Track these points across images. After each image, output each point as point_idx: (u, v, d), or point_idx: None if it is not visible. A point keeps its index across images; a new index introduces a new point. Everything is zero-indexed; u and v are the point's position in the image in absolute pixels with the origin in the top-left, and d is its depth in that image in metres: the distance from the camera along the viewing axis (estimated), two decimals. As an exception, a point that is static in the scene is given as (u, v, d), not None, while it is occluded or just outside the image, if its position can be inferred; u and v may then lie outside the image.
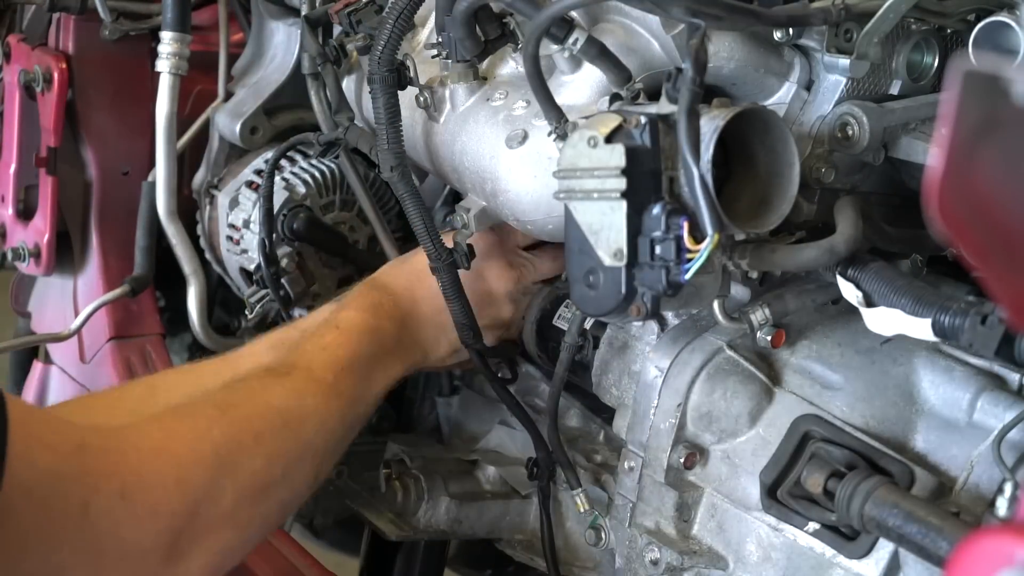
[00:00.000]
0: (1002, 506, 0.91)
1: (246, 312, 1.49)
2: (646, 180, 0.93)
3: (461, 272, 1.19)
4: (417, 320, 1.23)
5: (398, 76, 1.15)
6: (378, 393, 1.18)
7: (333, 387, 1.10)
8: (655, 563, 1.11)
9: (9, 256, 1.75)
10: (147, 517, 0.89)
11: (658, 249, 0.91)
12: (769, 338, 1.10)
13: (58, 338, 1.66)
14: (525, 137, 1.11)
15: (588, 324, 1.21)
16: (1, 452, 0.76)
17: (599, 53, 1.05)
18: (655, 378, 1.13)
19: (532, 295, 1.31)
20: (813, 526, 1.02)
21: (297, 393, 1.08)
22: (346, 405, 1.12)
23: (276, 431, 1.04)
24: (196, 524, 0.93)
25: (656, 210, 0.92)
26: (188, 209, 1.62)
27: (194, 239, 1.61)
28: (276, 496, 1.04)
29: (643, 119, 0.93)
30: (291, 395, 1.08)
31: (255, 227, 1.47)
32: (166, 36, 1.50)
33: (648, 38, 1.11)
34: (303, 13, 1.43)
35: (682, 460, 1.11)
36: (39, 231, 1.71)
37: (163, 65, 1.51)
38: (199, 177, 1.62)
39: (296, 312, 1.57)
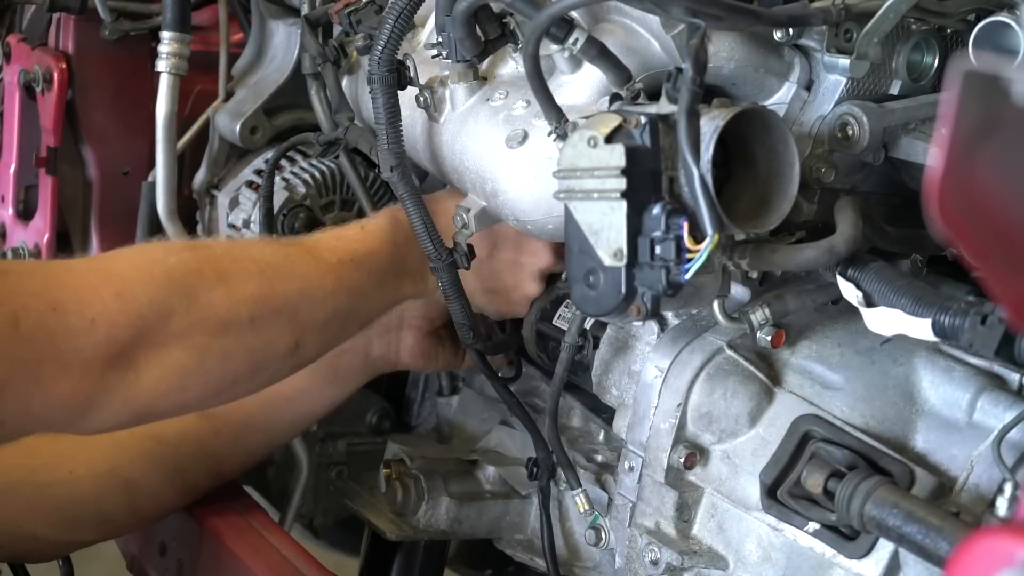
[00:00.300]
0: (1002, 506, 0.91)
1: (246, 312, 1.48)
2: (646, 180, 0.93)
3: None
4: None
5: (398, 76, 1.15)
6: (380, 305, 1.18)
7: (332, 268, 1.10)
8: (655, 563, 1.11)
9: (9, 256, 1.75)
10: (84, 328, 0.92)
11: (658, 249, 0.91)
12: (769, 338, 1.11)
13: (58, 338, 1.65)
14: (525, 137, 1.11)
15: (588, 324, 1.21)
16: None
17: (599, 53, 1.05)
18: (655, 378, 1.13)
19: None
20: (813, 526, 1.02)
21: (285, 255, 1.08)
22: (342, 290, 1.11)
23: (246, 275, 1.04)
24: (143, 338, 0.95)
25: (656, 210, 0.92)
26: (188, 209, 1.62)
27: (194, 239, 1.61)
28: (242, 339, 1.03)
29: (643, 119, 0.93)
30: (277, 253, 1.08)
31: (255, 227, 1.47)
32: (166, 36, 1.50)
33: (648, 38, 1.11)
34: (303, 13, 1.43)
35: (682, 460, 1.11)
36: (39, 231, 1.71)
37: (163, 65, 1.51)
38: (199, 177, 1.62)
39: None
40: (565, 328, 1.27)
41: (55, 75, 1.64)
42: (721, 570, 1.09)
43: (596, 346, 1.21)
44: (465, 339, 1.23)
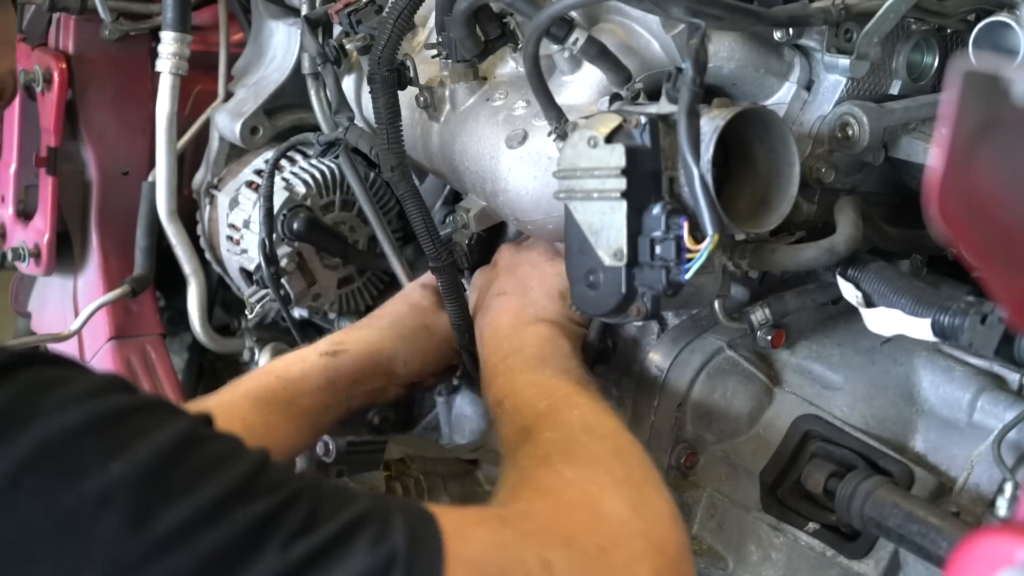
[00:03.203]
0: (1002, 506, 0.91)
1: (246, 312, 1.49)
2: (646, 180, 0.93)
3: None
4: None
5: (398, 76, 1.15)
6: None
7: None
8: (655, 563, 1.11)
9: (9, 256, 1.75)
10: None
11: (658, 249, 0.91)
12: (769, 338, 1.11)
13: (58, 338, 1.66)
14: (525, 137, 1.11)
15: None
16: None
17: (599, 53, 1.05)
18: (655, 378, 1.13)
19: None
20: (813, 526, 1.02)
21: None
22: None
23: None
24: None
25: (656, 210, 0.92)
26: (188, 209, 1.62)
27: (194, 239, 1.61)
28: None
29: (643, 119, 0.93)
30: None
31: (255, 227, 1.46)
32: (166, 36, 1.50)
33: (648, 38, 1.11)
34: (303, 13, 1.43)
35: (682, 460, 1.11)
36: (39, 231, 1.71)
37: (163, 65, 1.51)
38: (199, 177, 1.62)
39: (296, 312, 1.57)
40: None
41: (55, 75, 1.64)
42: (721, 570, 1.09)
43: (616, 348, 1.20)
44: (461, 340, 1.23)
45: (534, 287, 1.19)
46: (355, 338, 1.24)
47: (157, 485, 0.64)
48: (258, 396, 1.14)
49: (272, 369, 1.20)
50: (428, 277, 1.28)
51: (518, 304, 1.18)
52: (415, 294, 1.29)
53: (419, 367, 1.28)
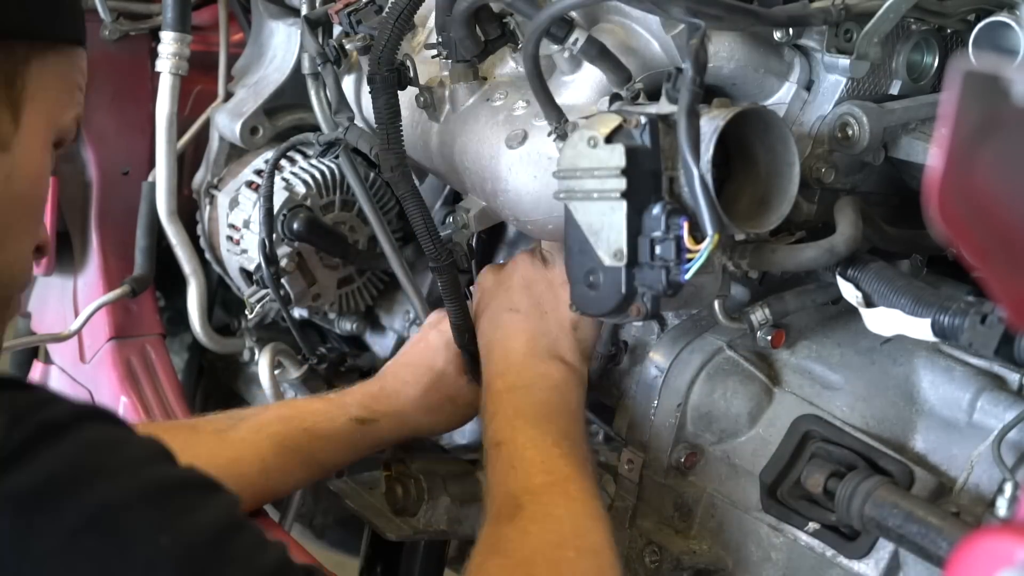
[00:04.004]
0: (1002, 506, 0.91)
1: (246, 312, 1.49)
2: (646, 180, 0.93)
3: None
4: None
5: (398, 76, 1.15)
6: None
7: None
8: (655, 563, 1.11)
9: (9, 256, 1.75)
10: None
11: (658, 249, 0.91)
12: (769, 338, 1.11)
13: (58, 338, 1.65)
14: (525, 137, 1.11)
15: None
16: None
17: (599, 53, 1.05)
18: (655, 378, 1.13)
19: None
20: (813, 526, 1.02)
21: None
22: None
23: None
24: None
25: (656, 210, 0.92)
26: (188, 209, 1.62)
27: (194, 239, 1.61)
28: None
29: (643, 119, 0.93)
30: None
31: (255, 227, 1.47)
32: (166, 36, 1.50)
33: (648, 38, 1.11)
34: (303, 13, 1.43)
35: (682, 460, 1.11)
36: (39, 231, 1.71)
37: (163, 65, 1.51)
38: (199, 177, 1.62)
39: (296, 312, 1.57)
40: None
41: (55, 75, 1.63)
42: (721, 570, 1.09)
43: (627, 351, 1.20)
44: (460, 340, 1.23)
45: (548, 312, 1.19)
46: (387, 411, 1.25)
47: (198, 563, 0.70)
48: (282, 443, 1.20)
49: (301, 419, 1.23)
50: (444, 323, 1.26)
51: (532, 329, 1.18)
52: (439, 359, 1.27)
53: (440, 432, 1.35)
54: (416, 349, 1.30)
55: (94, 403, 0.82)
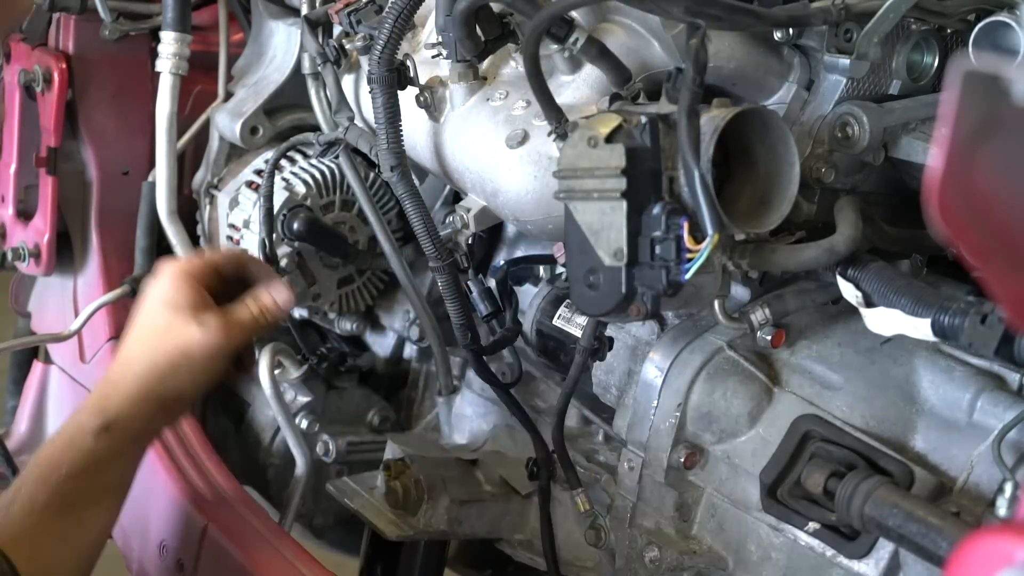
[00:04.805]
0: (1002, 506, 0.91)
1: (246, 312, 1.48)
2: (646, 180, 0.93)
3: (145, 332, 1.17)
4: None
5: (398, 76, 1.15)
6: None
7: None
8: (655, 563, 1.11)
9: (9, 256, 1.75)
10: None
11: (658, 249, 0.91)
12: (769, 338, 1.11)
13: (58, 338, 1.65)
14: (525, 137, 1.11)
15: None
16: None
17: (599, 53, 1.05)
18: (655, 378, 1.13)
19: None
20: (813, 526, 1.02)
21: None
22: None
23: None
24: None
25: (656, 210, 0.92)
26: (188, 209, 1.62)
27: (194, 239, 1.61)
28: None
29: (643, 119, 0.93)
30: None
31: (255, 227, 1.47)
32: (166, 36, 1.50)
33: (648, 38, 1.11)
34: (303, 13, 1.43)
35: (682, 460, 1.11)
36: (39, 231, 1.71)
37: (163, 65, 1.51)
38: (199, 177, 1.62)
39: (296, 312, 1.57)
40: (564, 328, 1.27)
41: (55, 75, 1.63)
42: (721, 570, 1.09)
43: (611, 347, 1.20)
44: (462, 340, 1.23)
45: None
46: (122, 401, 1.15)
47: None
48: (56, 514, 1.12)
49: (56, 470, 1.13)
50: (161, 277, 1.19)
51: None
52: (156, 317, 1.17)
53: (191, 397, 1.23)
54: (134, 322, 1.20)
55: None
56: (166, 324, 1.16)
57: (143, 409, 1.15)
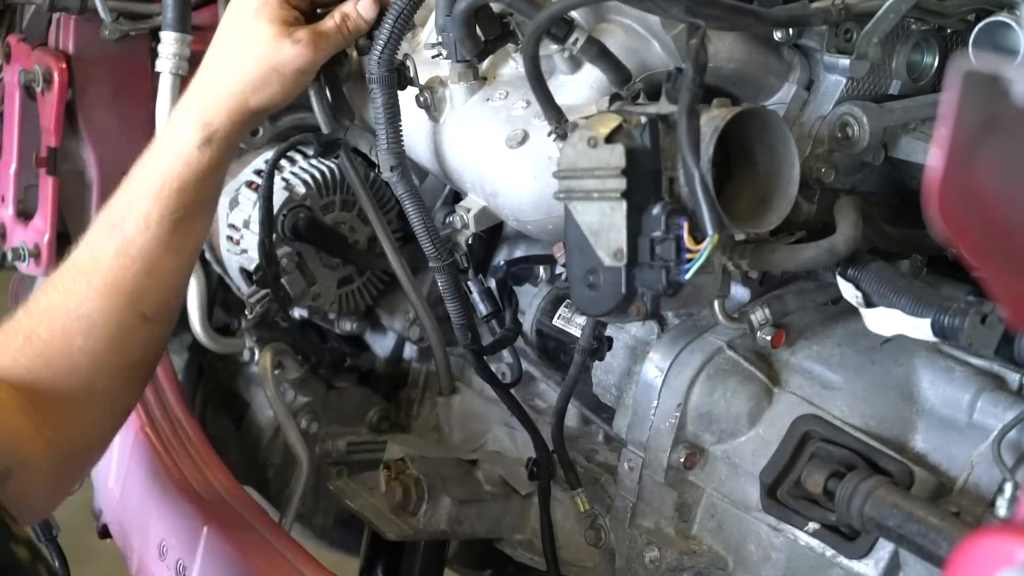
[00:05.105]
0: (1002, 506, 0.91)
1: (246, 312, 1.49)
2: (646, 180, 0.93)
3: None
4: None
5: (398, 76, 1.15)
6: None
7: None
8: (655, 563, 1.11)
9: (9, 256, 1.75)
10: None
11: (658, 249, 0.91)
12: (769, 338, 1.11)
13: (58, 338, 1.65)
14: (525, 137, 1.11)
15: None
16: None
17: (599, 53, 1.05)
18: (655, 378, 1.13)
19: None
20: (813, 526, 1.02)
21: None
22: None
23: None
24: None
25: (656, 210, 0.92)
26: (188, 209, 1.62)
27: (194, 239, 1.61)
28: None
29: (643, 119, 0.93)
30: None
31: (255, 227, 1.47)
32: (166, 36, 1.50)
33: (648, 38, 1.11)
34: (303, 13, 1.43)
35: (682, 460, 1.11)
36: (39, 231, 1.71)
37: (163, 65, 1.51)
38: (199, 177, 1.62)
39: (296, 312, 1.57)
40: (564, 327, 1.27)
41: (55, 75, 1.63)
42: (721, 570, 1.09)
43: (611, 347, 1.20)
44: (463, 340, 1.23)
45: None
46: (223, 112, 1.18)
47: None
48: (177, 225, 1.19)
49: (172, 181, 1.20)
50: None
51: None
52: (253, 31, 1.18)
53: (275, 108, 1.25)
54: (225, 33, 1.21)
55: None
56: (258, 37, 1.18)
57: (239, 121, 1.19)
